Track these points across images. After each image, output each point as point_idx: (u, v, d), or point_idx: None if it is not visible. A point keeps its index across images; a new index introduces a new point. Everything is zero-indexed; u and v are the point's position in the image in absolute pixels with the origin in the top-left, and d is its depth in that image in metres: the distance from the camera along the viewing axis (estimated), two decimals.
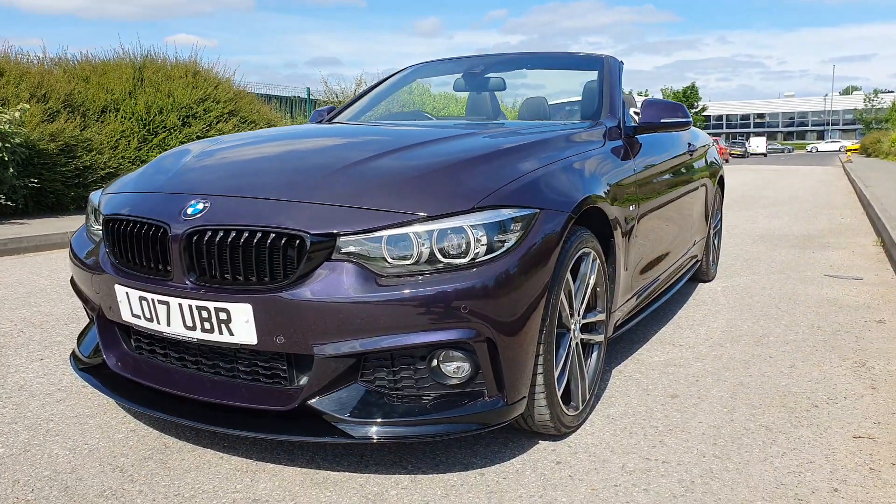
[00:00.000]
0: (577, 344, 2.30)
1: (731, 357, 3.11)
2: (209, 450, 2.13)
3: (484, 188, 1.97)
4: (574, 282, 2.27)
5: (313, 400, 1.88)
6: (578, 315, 2.31)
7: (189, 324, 1.94)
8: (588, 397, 2.38)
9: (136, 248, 2.08)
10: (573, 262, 2.17)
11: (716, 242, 5.03)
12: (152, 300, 1.99)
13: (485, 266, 1.85)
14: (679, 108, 3.09)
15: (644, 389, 2.70)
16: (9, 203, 7.63)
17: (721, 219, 5.20)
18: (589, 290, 2.37)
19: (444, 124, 3.35)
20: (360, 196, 1.94)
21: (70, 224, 7.23)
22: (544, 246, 1.97)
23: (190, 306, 1.92)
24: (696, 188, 3.98)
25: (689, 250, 3.97)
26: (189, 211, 1.99)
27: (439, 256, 1.84)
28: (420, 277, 1.82)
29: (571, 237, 2.16)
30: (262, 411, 1.94)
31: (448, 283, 1.81)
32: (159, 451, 2.12)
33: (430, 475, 1.99)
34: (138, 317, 2.06)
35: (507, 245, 1.90)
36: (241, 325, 1.87)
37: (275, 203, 1.95)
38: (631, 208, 2.72)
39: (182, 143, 9.69)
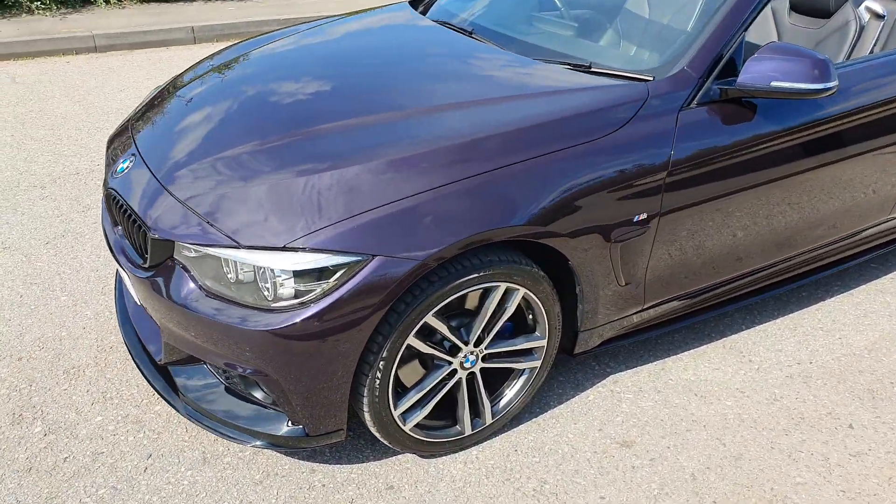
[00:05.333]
0: (467, 375, 2.08)
1: (789, 408, 2.40)
2: None
3: (307, 224, 1.76)
4: (461, 317, 2.01)
5: (173, 367, 2.12)
6: (475, 346, 2.04)
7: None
8: (490, 421, 2.19)
9: None
10: (444, 303, 1.89)
11: None
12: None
13: (283, 312, 1.75)
14: (818, 66, 2.08)
15: (605, 419, 2.32)
16: None
17: None
18: (501, 321, 2.04)
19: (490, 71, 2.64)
20: (217, 203, 1.87)
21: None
22: (367, 298, 1.74)
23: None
24: None
25: (872, 225, 2.85)
26: (118, 168, 2.19)
27: (248, 287, 1.80)
28: (228, 303, 1.82)
29: (436, 282, 1.84)
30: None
31: (243, 318, 1.78)
32: None
33: (281, 456, 2.16)
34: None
35: (313, 294, 1.74)
36: (129, 286, 2.13)
37: (157, 186, 2.02)
38: (639, 217, 2.09)
39: None
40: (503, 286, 1.97)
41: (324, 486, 2.07)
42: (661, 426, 2.31)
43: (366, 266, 1.74)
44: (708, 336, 2.75)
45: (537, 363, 2.20)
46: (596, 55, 2.43)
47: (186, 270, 1.89)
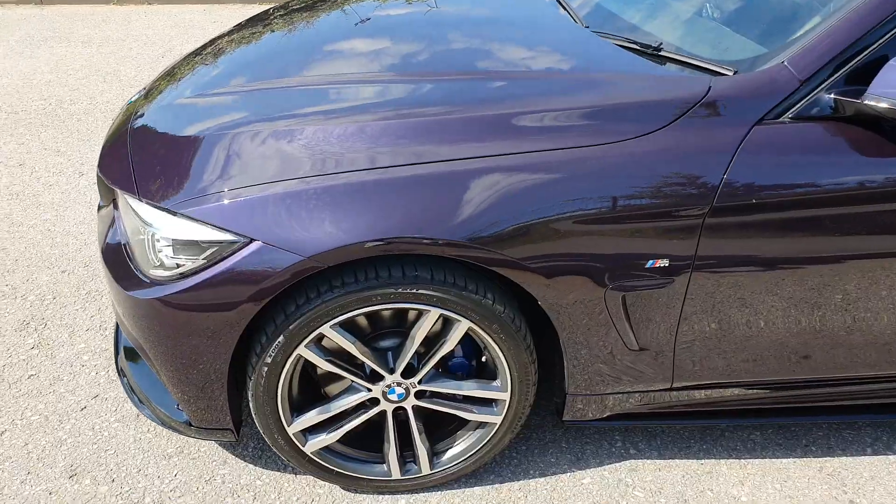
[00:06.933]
0: (395, 409, 1.68)
1: None
2: None
3: (202, 188, 1.49)
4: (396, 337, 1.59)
5: None
6: (404, 377, 1.63)
7: None
8: (428, 472, 1.76)
9: None
10: (348, 314, 1.50)
11: None
12: None
13: (155, 282, 1.52)
14: None
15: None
16: None
17: None
18: (438, 354, 1.60)
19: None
20: (155, 148, 1.71)
21: None
22: (240, 287, 1.44)
23: None
24: None
25: None
26: (127, 101, 2.13)
27: (143, 244, 1.60)
28: (128, 259, 1.64)
29: (338, 287, 1.46)
30: None
31: (126, 277, 1.58)
32: None
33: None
34: None
35: (183, 269, 1.49)
36: None
37: (126, 124, 1.89)
38: (654, 263, 1.48)
39: None
40: (435, 312, 1.53)
41: (223, 482, 1.83)
42: None
43: (241, 249, 1.44)
44: (804, 447, 1.96)
45: (497, 419, 1.71)
46: (698, 38, 1.80)
47: (119, 217, 1.75)
